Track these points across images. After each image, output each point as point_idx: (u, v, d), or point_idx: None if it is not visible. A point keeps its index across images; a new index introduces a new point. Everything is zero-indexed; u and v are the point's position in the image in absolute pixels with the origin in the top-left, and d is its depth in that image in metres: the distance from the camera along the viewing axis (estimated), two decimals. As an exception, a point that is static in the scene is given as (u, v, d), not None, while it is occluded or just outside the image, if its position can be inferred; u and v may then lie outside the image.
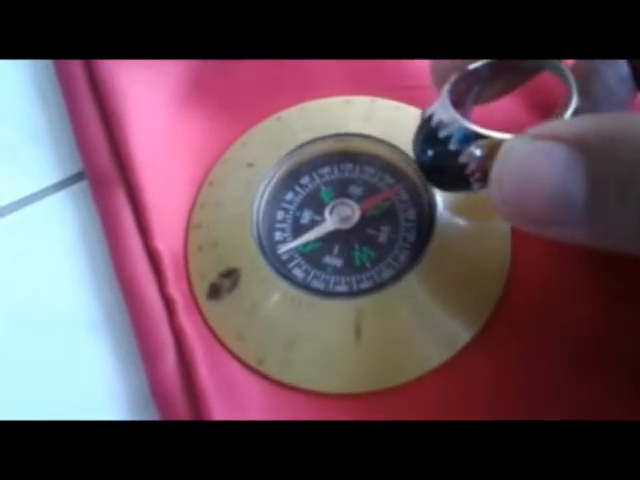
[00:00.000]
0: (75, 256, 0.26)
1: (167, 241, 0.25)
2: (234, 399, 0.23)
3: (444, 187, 0.22)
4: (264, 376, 0.23)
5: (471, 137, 0.19)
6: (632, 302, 0.23)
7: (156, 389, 0.23)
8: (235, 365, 0.24)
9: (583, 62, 0.23)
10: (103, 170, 0.26)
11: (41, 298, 0.26)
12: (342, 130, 0.26)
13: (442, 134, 0.20)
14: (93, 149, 0.27)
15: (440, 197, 0.24)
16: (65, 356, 0.25)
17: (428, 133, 0.20)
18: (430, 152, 0.21)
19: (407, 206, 0.25)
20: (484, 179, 0.19)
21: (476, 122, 0.19)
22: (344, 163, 0.26)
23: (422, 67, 0.27)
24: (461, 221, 0.24)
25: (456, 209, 0.24)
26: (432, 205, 0.24)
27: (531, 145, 0.17)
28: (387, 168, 0.26)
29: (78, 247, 0.26)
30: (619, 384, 0.22)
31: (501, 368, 0.23)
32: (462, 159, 0.19)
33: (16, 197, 0.28)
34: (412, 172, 0.25)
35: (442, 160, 0.20)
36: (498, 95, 0.23)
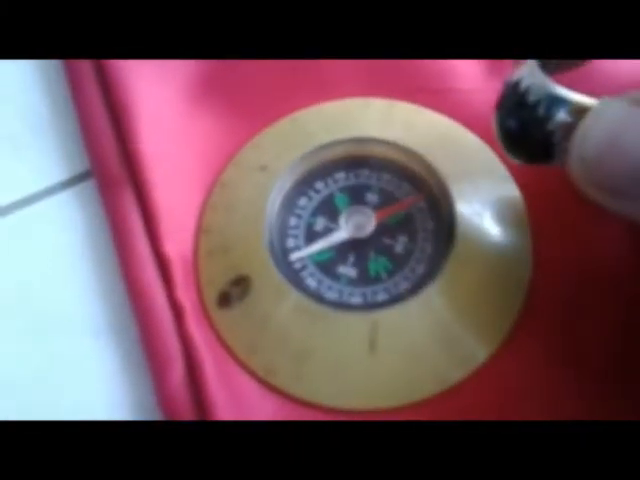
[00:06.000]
0: (81, 259, 0.25)
1: (176, 245, 0.24)
2: (243, 412, 0.22)
3: (524, 157, 0.21)
4: (275, 389, 0.23)
5: (561, 102, 0.18)
6: None
7: (163, 400, 0.22)
8: (245, 377, 0.23)
9: None
10: (111, 168, 0.25)
11: (44, 303, 0.25)
12: (359, 134, 0.25)
13: (531, 99, 0.19)
14: (101, 146, 0.26)
15: (460, 207, 0.24)
16: (68, 363, 0.24)
17: (515, 99, 0.20)
18: (515, 118, 0.20)
19: (425, 215, 0.25)
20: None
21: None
22: (360, 169, 0.25)
23: (442, 69, 0.27)
24: (481, 231, 0.24)
25: None
26: (451, 215, 0.24)
27: (627, 109, 0.16)
28: (405, 175, 0.25)
29: (84, 250, 0.25)
30: None
31: (523, 383, 0.22)
32: (550, 126, 0.19)
33: (19, 196, 0.26)
34: (431, 180, 0.24)
35: (528, 126, 0.20)
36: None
